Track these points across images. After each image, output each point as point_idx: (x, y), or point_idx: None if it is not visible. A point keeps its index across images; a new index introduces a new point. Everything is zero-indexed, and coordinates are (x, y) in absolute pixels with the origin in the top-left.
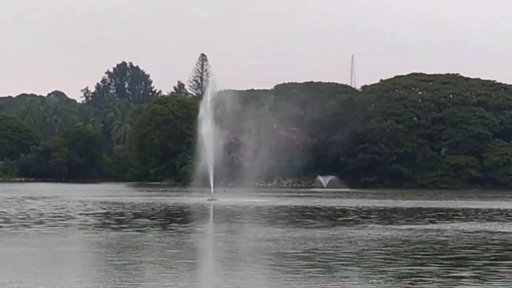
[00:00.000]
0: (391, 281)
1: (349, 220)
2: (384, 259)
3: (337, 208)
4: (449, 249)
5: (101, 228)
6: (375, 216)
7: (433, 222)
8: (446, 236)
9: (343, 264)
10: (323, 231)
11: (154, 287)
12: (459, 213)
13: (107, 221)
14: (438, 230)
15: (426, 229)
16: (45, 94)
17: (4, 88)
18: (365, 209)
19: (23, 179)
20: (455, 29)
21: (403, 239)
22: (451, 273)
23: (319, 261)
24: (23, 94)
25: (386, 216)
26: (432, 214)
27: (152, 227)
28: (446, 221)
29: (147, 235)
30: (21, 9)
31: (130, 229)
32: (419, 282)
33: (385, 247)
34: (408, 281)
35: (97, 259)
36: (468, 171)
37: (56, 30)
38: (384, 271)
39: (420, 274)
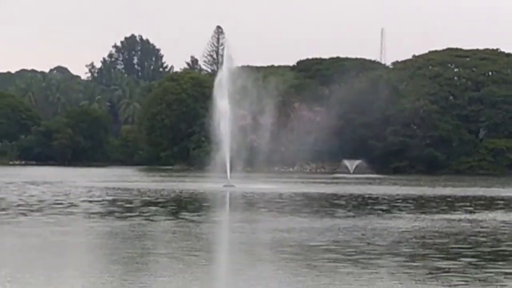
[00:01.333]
0: (422, 276)
1: (379, 209)
2: (415, 252)
3: (366, 195)
4: (487, 241)
5: (106, 217)
6: (407, 204)
7: (471, 212)
8: (484, 227)
9: (371, 258)
10: (351, 221)
11: (163, 282)
12: (499, 202)
13: (113, 209)
14: (476, 220)
15: (462, 219)
16: (47, 70)
17: (2, 63)
18: (396, 197)
19: (23, 162)
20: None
21: (436, 230)
22: (488, 268)
23: (345, 254)
24: (23, 70)
25: (419, 205)
26: (469, 203)
27: (162, 215)
28: (485, 211)
29: (156, 224)
30: None
31: (138, 218)
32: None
33: (416, 239)
34: None
35: (100, 251)
36: (509, 156)
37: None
38: (415, 266)
39: (454, 269)
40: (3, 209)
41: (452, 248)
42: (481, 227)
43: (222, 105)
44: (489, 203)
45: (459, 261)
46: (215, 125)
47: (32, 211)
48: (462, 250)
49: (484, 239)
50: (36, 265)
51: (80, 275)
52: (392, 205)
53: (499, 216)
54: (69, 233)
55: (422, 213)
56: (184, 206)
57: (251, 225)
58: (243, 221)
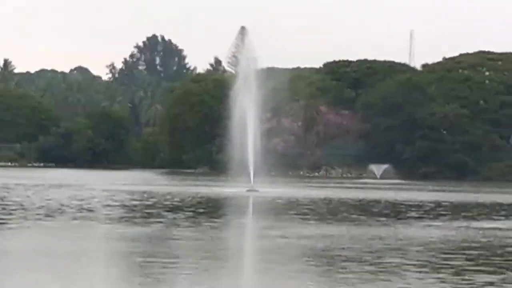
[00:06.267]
0: None
1: (410, 217)
2: (457, 264)
3: (396, 202)
4: None
5: (125, 222)
6: (438, 212)
7: (506, 219)
8: None
9: (409, 271)
10: (382, 229)
11: None
12: None
13: (132, 214)
14: None
15: (497, 227)
16: (67, 70)
17: (22, 63)
18: (427, 203)
19: (41, 164)
20: None
21: (478, 240)
22: None
23: (381, 265)
24: (43, 70)
25: (451, 212)
26: (503, 210)
27: (182, 221)
28: None
29: (176, 231)
30: None
31: (157, 224)
32: None
33: (457, 250)
34: None
35: (115, 259)
36: None
37: None
38: (462, 279)
39: (500, 284)
40: (20, 214)
41: (498, 260)
42: None
43: (244, 107)
44: None
45: (499, 274)
46: (238, 128)
47: (49, 216)
48: (500, 262)
49: None
50: (49, 271)
51: (89, 286)
52: (423, 212)
53: None
54: (85, 239)
55: (455, 220)
56: (205, 211)
57: (274, 232)
58: (269, 228)
